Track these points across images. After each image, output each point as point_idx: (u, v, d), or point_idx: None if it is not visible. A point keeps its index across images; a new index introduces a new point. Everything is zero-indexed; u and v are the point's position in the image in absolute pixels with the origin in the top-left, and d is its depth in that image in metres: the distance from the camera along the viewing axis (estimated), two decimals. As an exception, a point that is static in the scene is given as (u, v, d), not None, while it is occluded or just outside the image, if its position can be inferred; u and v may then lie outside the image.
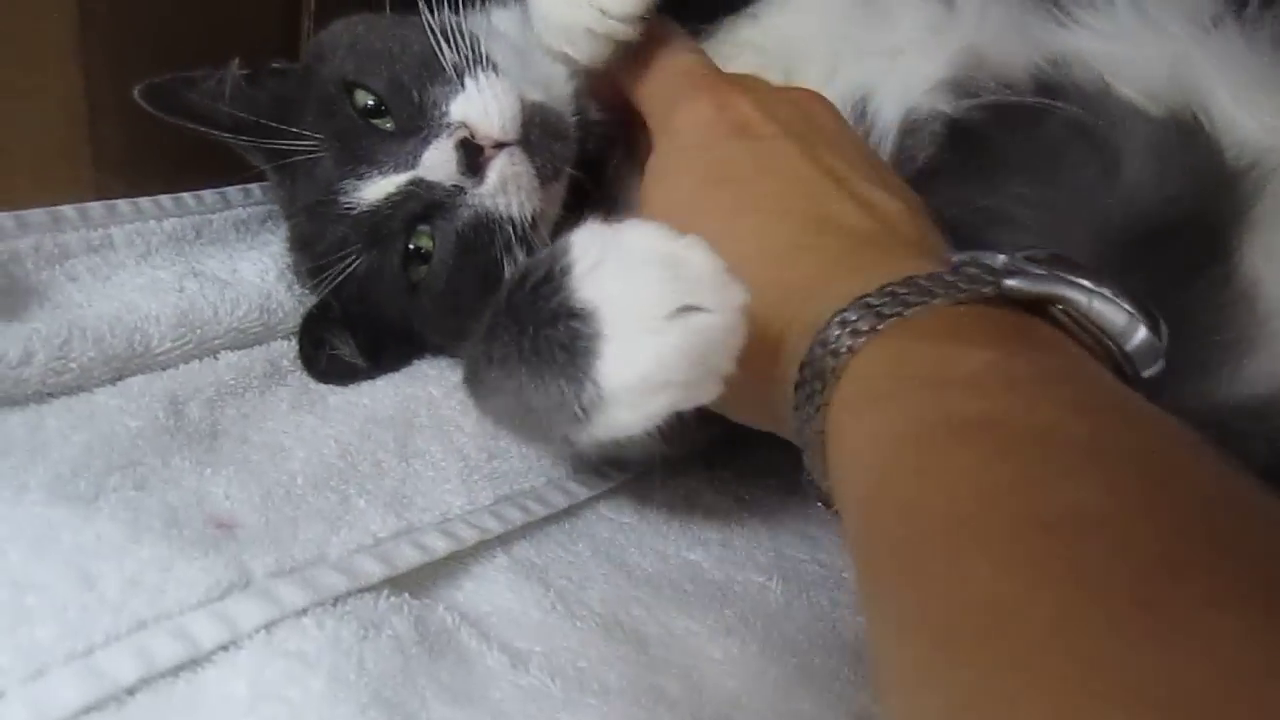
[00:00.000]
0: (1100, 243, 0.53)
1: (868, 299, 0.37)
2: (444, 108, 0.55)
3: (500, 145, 0.54)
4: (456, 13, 0.57)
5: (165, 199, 0.70)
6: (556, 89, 0.59)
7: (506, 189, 0.54)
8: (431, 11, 0.57)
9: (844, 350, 0.36)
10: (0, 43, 0.66)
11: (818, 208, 0.45)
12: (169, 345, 0.59)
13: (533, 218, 0.55)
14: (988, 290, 0.37)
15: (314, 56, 0.64)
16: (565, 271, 0.40)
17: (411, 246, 0.58)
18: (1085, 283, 0.36)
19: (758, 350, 0.39)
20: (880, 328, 0.36)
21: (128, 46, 0.69)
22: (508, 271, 0.54)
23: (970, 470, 0.30)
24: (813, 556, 0.57)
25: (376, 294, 0.60)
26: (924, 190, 0.55)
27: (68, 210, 0.64)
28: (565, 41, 0.54)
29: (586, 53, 0.54)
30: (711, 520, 0.58)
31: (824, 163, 0.48)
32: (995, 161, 0.57)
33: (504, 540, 0.52)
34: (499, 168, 0.54)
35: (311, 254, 0.62)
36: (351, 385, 0.63)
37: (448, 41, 0.55)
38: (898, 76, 0.61)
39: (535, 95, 0.56)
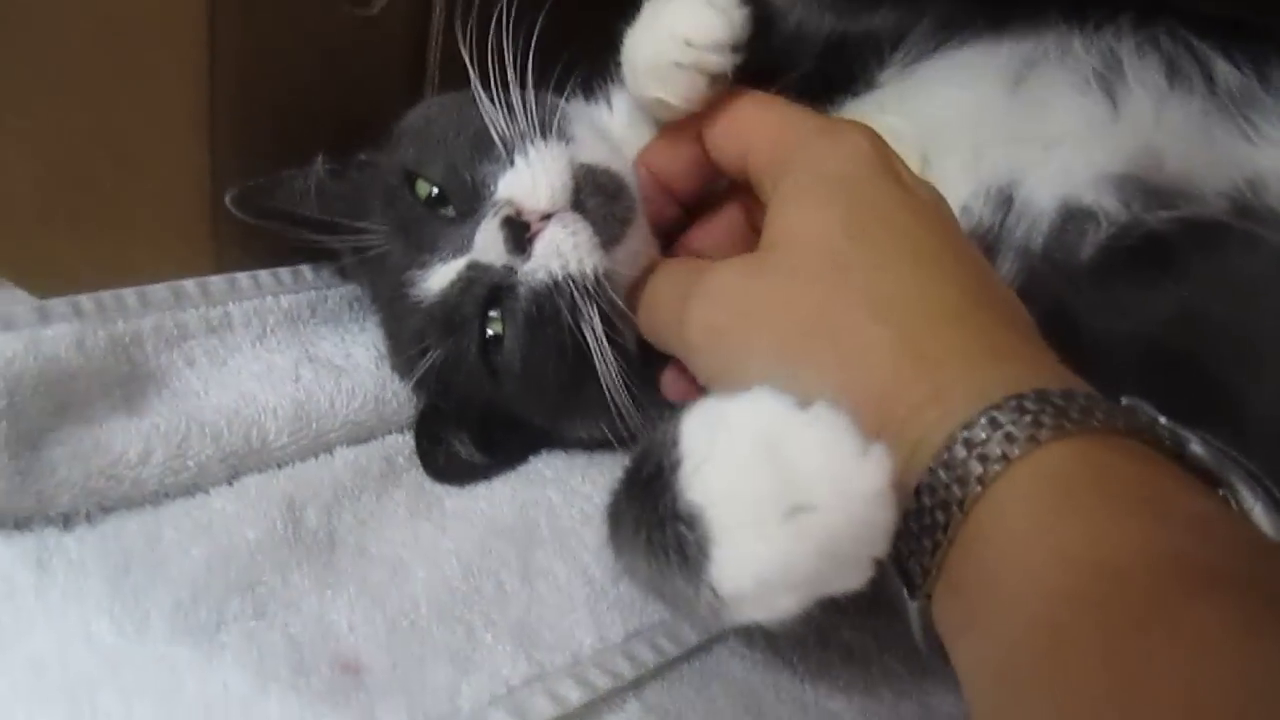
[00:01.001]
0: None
1: (1022, 400, 0.34)
2: (493, 186, 0.53)
3: (548, 216, 0.51)
4: (524, 87, 0.55)
5: (284, 272, 0.68)
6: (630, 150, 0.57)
7: (559, 258, 0.51)
8: (492, 86, 0.55)
9: (996, 456, 0.33)
10: (130, 111, 0.65)
11: (975, 276, 0.42)
12: (285, 440, 0.57)
13: (596, 279, 0.51)
14: (1162, 437, 0.34)
15: (391, 146, 0.62)
16: (674, 468, 0.37)
17: (489, 333, 0.55)
18: (1258, 484, 0.34)
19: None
20: (1041, 437, 0.32)
21: (255, 121, 0.67)
22: (588, 336, 0.51)
23: (1221, 639, 0.26)
24: (960, 710, 0.52)
25: (461, 384, 0.57)
26: (1083, 289, 0.52)
27: (189, 285, 0.62)
28: (657, 84, 0.51)
29: (679, 91, 0.50)
30: (851, 664, 0.54)
31: (969, 242, 0.45)
32: (1178, 277, 0.52)
33: (635, 682, 0.49)
34: (546, 240, 0.51)
35: (398, 348, 0.61)
36: (469, 486, 0.60)
37: (505, 116, 0.54)
38: (1055, 165, 0.57)
39: (596, 158, 0.53)
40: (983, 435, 0.33)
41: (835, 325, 0.40)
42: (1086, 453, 0.33)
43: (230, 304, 0.64)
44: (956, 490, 0.34)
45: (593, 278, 0.51)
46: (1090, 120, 0.58)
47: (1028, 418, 0.33)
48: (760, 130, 0.49)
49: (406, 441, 0.61)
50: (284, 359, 0.62)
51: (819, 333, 0.40)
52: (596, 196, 0.52)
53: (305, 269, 0.69)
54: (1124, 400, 0.38)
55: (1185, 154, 0.56)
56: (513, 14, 0.56)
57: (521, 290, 0.52)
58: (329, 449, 0.59)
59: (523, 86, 0.56)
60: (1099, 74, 0.59)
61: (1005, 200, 0.57)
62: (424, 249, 0.56)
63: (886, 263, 0.41)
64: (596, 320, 0.51)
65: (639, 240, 0.53)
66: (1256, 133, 0.56)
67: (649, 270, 0.53)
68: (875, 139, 0.46)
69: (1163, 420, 0.37)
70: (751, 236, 0.52)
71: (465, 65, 0.57)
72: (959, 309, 0.40)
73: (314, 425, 0.58)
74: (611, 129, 0.60)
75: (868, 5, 0.64)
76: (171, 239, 0.67)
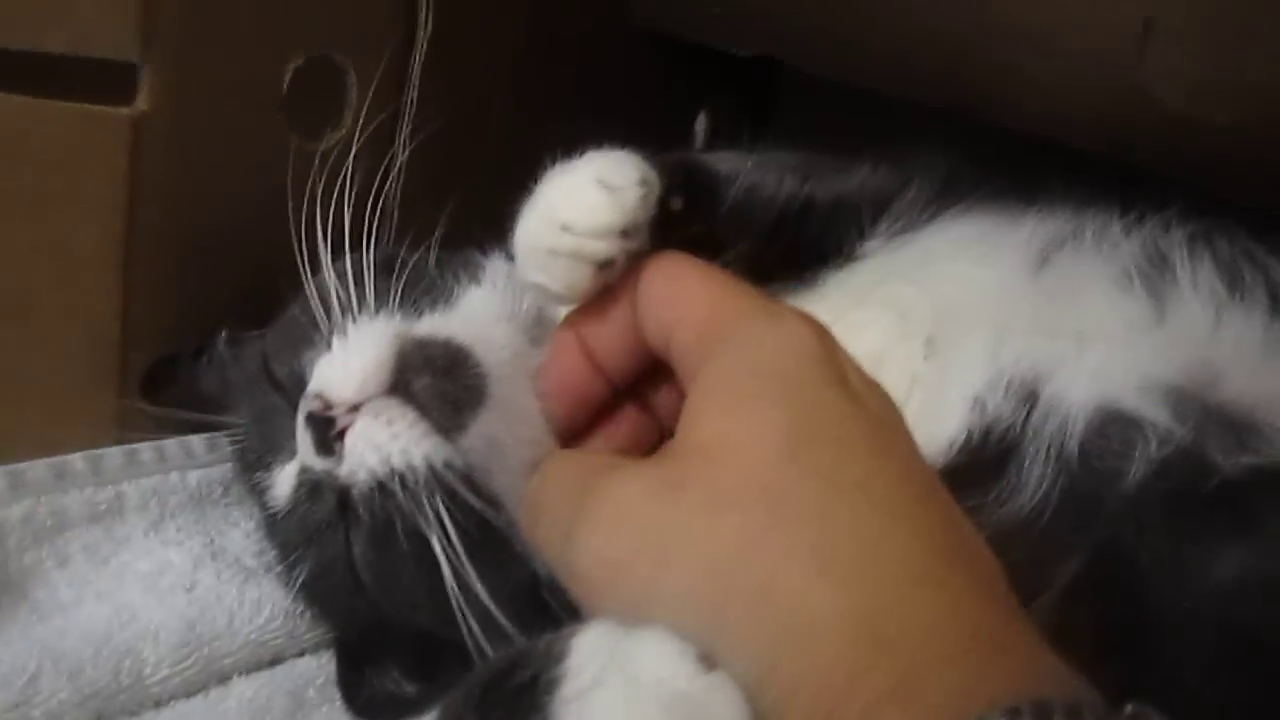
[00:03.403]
0: None
1: (1017, 717, 0.26)
2: (309, 376, 0.46)
3: (359, 406, 0.43)
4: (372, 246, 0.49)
5: (196, 441, 0.58)
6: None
7: (376, 452, 0.43)
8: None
9: None
10: (33, 252, 0.55)
11: (939, 523, 0.33)
12: (166, 673, 0.47)
13: (433, 473, 0.42)
14: None
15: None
16: (551, 687, 0.32)
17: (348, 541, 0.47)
18: None
19: None
20: None
21: (175, 261, 0.59)
22: (433, 542, 0.43)
23: None
24: None
25: (342, 604, 0.49)
26: (1145, 529, 0.43)
27: (76, 461, 0.53)
28: (535, 269, 0.43)
29: (557, 279, 0.42)
30: None
31: (930, 471, 0.36)
32: (1255, 542, 0.44)
33: None
34: (356, 434, 0.43)
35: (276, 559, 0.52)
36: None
37: (340, 287, 0.47)
38: (1090, 364, 0.49)
39: (438, 329, 0.46)
40: None
41: (769, 577, 0.31)
42: None
43: (125, 483, 0.54)
44: None
45: (425, 472, 0.42)
46: (1130, 321, 0.51)
47: None
48: (693, 300, 0.39)
49: (322, 666, 0.51)
50: (181, 556, 0.52)
51: (746, 585, 0.31)
52: (425, 375, 0.44)
53: (223, 436, 0.59)
54: (1130, 709, 0.29)
55: (1250, 379, 0.48)
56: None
57: (354, 494, 0.44)
58: (222, 680, 0.48)
59: (373, 244, 0.49)
60: (1141, 269, 0.52)
61: (1029, 396, 0.49)
62: (269, 448, 0.49)
63: (836, 497, 0.32)
64: (443, 524, 0.42)
65: (498, 422, 0.44)
66: None
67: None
68: (820, 330, 0.38)
69: None
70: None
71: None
72: (927, 570, 0.31)
73: (206, 650, 0.48)
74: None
75: (838, 168, 0.57)
76: (70, 404, 0.57)
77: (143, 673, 0.45)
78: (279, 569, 0.51)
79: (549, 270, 0.42)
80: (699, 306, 0.39)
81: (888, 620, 0.30)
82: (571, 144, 0.46)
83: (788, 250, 0.52)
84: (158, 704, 0.46)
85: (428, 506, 0.42)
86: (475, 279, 0.50)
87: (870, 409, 0.36)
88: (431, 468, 0.42)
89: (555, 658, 0.32)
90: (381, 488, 0.43)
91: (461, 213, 0.54)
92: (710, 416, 0.35)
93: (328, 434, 0.43)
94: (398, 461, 0.42)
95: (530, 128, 0.65)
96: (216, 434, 0.59)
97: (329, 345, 0.45)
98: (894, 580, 0.31)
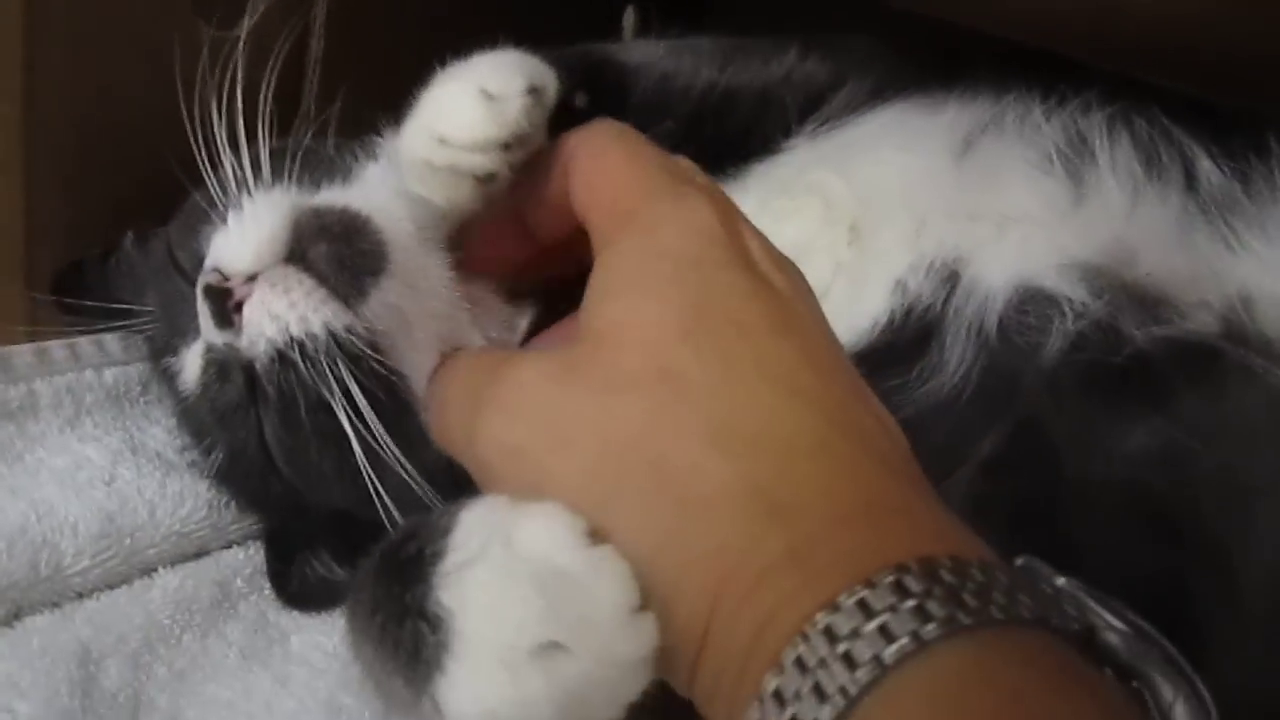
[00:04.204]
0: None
1: (904, 576, 0.27)
2: (206, 253, 0.45)
3: (255, 277, 0.42)
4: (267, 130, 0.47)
5: (110, 339, 0.56)
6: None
7: (273, 321, 0.41)
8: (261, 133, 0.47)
9: (865, 660, 0.26)
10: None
11: (838, 398, 0.34)
12: (86, 563, 0.46)
13: (334, 339, 0.41)
14: (1070, 624, 0.28)
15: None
16: (434, 559, 0.32)
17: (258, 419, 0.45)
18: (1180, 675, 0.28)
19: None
20: (926, 635, 0.26)
21: (77, 153, 0.56)
22: (340, 412, 0.41)
23: None
24: None
25: (258, 485, 0.48)
26: (1062, 407, 0.44)
27: (-16, 358, 0.51)
28: (416, 181, 0.42)
29: (438, 193, 0.42)
30: None
31: (836, 348, 0.36)
32: (1166, 412, 0.45)
33: None
34: (253, 304, 0.41)
35: (193, 447, 0.52)
36: (329, 612, 0.50)
37: (236, 167, 0.45)
38: (1010, 246, 0.50)
39: (334, 199, 0.45)
40: (850, 625, 0.26)
41: (662, 455, 0.31)
42: (981, 660, 0.26)
43: (37, 380, 0.52)
44: (812, 703, 0.26)
45: (325, 339, 0.41)
46: (1050, 203, 0.51)
47: (909, 603, 0.26)
48: (609, 181, 0.38)
49: (250, 558, 0.51)
50: (99, 452, 0.51)
51: (640, 463, 0.32)
52: (321, 243, 0.42)
53: (140, 337, 0.57)
54: (1019, 560, 0.31)
55: (1164, 256, 0.49)
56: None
57: (259, 367, 0.43)
58: (146, 572, 0.48)
59: (268, 129, 0.47)
60: (1061, 151, 0.52)
61: (950, 276, 0.49)
62: (175, 332, 0.48)
63: (732, 376, 0.33)
64: (348, 393, 0.41)
65: (402, 291, 0.43)
66: (1240, 243, 0.49)
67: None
68: (726, 209, 0.38)
69: (1062, 584, 0.30)
70: None
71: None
72: (824, 439, 0.32)
73: (127, 542, 0.47)
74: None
75: (762, 56, 0.56)
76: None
77: (61, 564, 0.45)
78: (194, 457, 0.51)
79: (428, 183, 0.41)
80: (613, 175, 0.38)
81: (780, 488, 0.30)
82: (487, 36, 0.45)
83: (708, 144, 0.50)
84: (80, 595, 0.45)
85: (330, 375, 0.40)
86: (373, 157, 0.49)
87: (776, 288, 0.36)
88: (332, 334, 0.40)
89: (441, 531, 0.32)
90: (282, 357, 0.41)
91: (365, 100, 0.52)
92: (609, 300, 0.35)
93: (225, 305, 0.42)
94: (295, 329, 0.41)
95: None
96: (131, 334, 0.58)
97: (225, 221, 0.44)
98: (788, 451, 0.31)
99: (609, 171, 0.38)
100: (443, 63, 0.43)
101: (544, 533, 0.31)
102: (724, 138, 0.52)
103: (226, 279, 0.42)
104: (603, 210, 0.38)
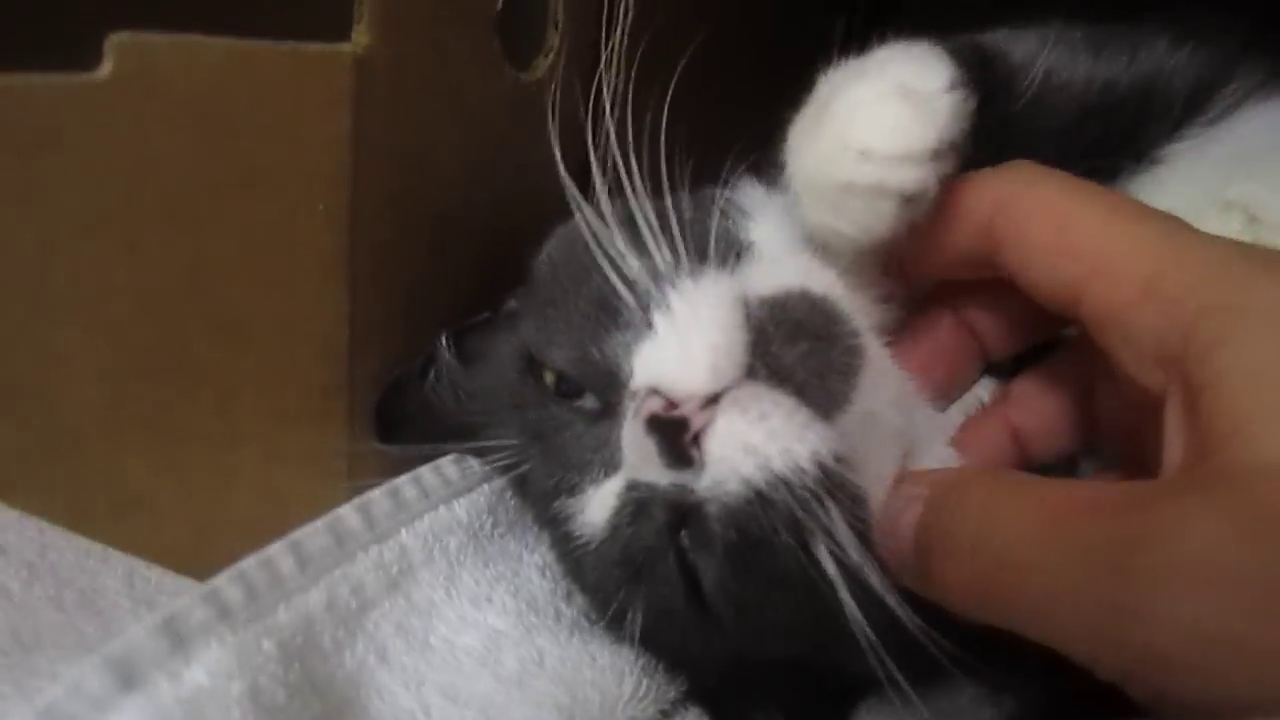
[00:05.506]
0: None
1: None
2: (628, 366, 0.37)
3: (716, 399, 0.34)
4: (661, 193, 0.40)
5: (446, 463, 0.47)
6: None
7: (752, 456, 0.34)
8: (635, 195, 0.39)
9: None
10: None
11: None
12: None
13: (822, 469, 0.34)
14: None
15: (522, 296, 0.47)
16: None
17: (687, 567, 0.38)
18: None
19: None
20: None
21: (400, 243, 0.46)
22: (822, 560, 0.35)
23: None
24: None
25: (691, 646, 0.41)
26: None
27: (347, 515, 0.41)
28: (824, 209, 0.36)
29: (857, 224, 0.35)
30: None
31: None
32: None
33: None
34: (721, 438, 0.34)
35: (593, 607, 0.44)
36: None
37: (631, 246, 0.38)
38: None
39: (782, 280, 0.37)
40: None
41: None
42: None
43: (402, 531, 0.43)
44: None
45: (814, 470, 0.34)
46: None
47: None
48: (1111, 247, 0.32)
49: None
50: (502, 619, 0.42)
51: None
52: (795, 344, 0.35)
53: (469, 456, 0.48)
54: None
55: None
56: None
57: (711, 509, 0.35)
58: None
59: (659, 193, 0.39)
60: None
61: None
62: (567, 465, 0.40)
63: None
64: (840, 532, 0.34)
65: (875, 390, 0.36)
66: None
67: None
68: None
69: None
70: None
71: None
72: None
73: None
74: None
75: (1124, 45, 0.46)
76: (296, 436, 0.45)
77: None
78: (601, 615, 0.42)
79: (842, 210, 0.35)
80: (1127, 257, 0.32)
81: None
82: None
83: (1090, 151, 0.42)
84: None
85: (818, 512, 0.34)
86: (747, 217, 0.42)
87: None
88: (821, 465, 0.34)
89: None
90: (761, 498, 0.34)
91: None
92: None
93: (681, 440, 0.34)
94: (779, 464, 0.34)
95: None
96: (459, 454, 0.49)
97: (649, 323, 0.36)
98: None
99: (1105, 236, 0.32)
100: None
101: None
102: (1109, 142, 0.45)
103: (675, 405, 0.34)
104: (1129, 289, 0.31)
